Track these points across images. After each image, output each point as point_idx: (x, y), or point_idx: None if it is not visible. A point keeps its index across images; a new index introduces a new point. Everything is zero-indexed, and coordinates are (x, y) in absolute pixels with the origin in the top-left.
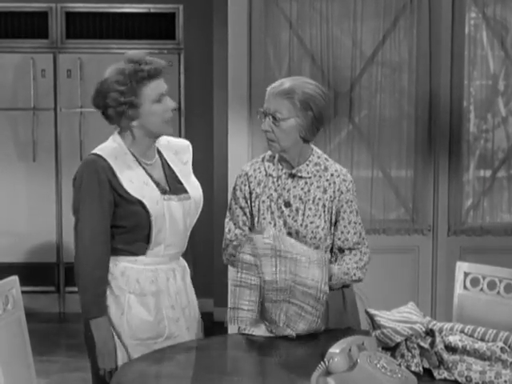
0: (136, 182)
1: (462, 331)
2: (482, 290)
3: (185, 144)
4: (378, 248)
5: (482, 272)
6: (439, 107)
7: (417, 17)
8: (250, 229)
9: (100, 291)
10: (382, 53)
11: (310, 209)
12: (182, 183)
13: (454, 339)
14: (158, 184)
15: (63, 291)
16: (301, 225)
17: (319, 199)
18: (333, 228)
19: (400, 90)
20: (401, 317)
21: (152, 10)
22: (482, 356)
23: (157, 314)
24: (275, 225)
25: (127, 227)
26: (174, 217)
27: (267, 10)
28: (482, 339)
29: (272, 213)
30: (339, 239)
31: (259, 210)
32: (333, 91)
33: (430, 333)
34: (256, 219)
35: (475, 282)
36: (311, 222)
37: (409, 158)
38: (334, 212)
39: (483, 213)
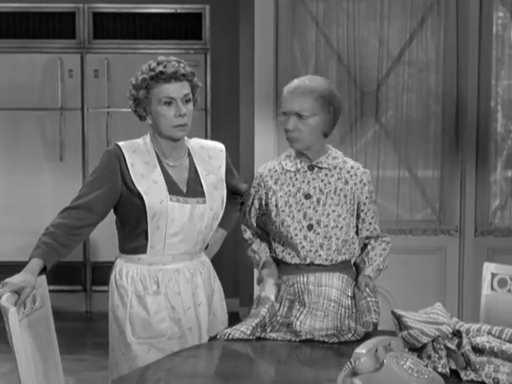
0: (146, 178)
1: (489, 332)
2: (509, 290)
3: (218, 148)
4: (405, 248)
5: (509, 273)
6: (466, 107)
7: (444, 16)
8: (262, 229)
9: (43, 239)
10: (408, 52)
11: (331, 198)
12: (202, 188)
13: (481, 340)
14: (174, 185)
15: (90, 290)
16: (322, 214)
17: (341, 190)
18: (356, 220)
19: (427, 90)
20: (428, 318)
21: (179, 11)
22: (509, 357)
23: (156, 313)
24: (293, 217)
25: (130, 220)
26: (177, 218)
27: (294, 10)
28: (510, 340)
29: (290, 206)
30: (368, 230)
31: (277, 205)
32: (359, 91)
33: (456, 334)
34: (273, 213)
35: (503, 282)
36: (333, 211)
37: (435, 158)
38: (355, 203)
39: (511, 213)
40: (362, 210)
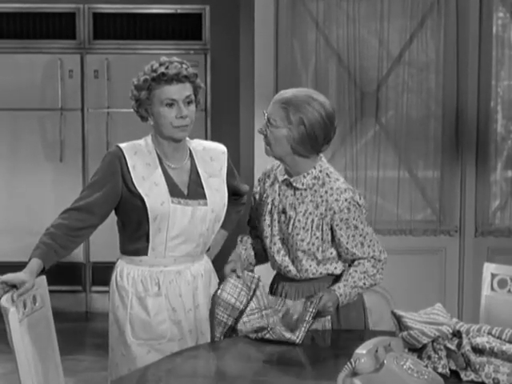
0: (147, 180)
1: (489, 333)
2: (509, 291)
3: (220, 150)
4: (405, 249)
5: (509, 273)
6: (466, 107)
7: (444, 17)
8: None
9: (43, 240)
10: (408, 53)
11: (299, 220)
12: (203, 190)
13: (481, 341)
14: (175, 187)
15: (90, 291)
16: (289, 234)
17: (310, 213)
18: (331, 243)
19: (427, 90)
20: (428, 318)
21: (179, 11)
22: (509, 358)
23: (156, 315)
24: (272, 229)
25: (131, 221)
26: (179, 220)
27: (294, 11)
28: (510, 341)
29: (272, 216)
30: (346, 254)
31: (263, 211)
32: (359, 91)
33: (456, 334)
34: (258, 220)
35: (503, 283)
36: (297, 234)
37: (436, 159)
38: (325, 229)
39: (511, 213)
40: (335, 235)
